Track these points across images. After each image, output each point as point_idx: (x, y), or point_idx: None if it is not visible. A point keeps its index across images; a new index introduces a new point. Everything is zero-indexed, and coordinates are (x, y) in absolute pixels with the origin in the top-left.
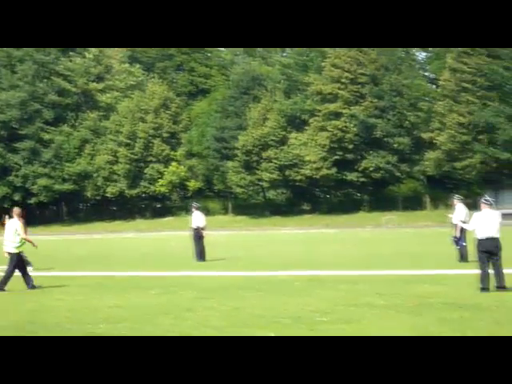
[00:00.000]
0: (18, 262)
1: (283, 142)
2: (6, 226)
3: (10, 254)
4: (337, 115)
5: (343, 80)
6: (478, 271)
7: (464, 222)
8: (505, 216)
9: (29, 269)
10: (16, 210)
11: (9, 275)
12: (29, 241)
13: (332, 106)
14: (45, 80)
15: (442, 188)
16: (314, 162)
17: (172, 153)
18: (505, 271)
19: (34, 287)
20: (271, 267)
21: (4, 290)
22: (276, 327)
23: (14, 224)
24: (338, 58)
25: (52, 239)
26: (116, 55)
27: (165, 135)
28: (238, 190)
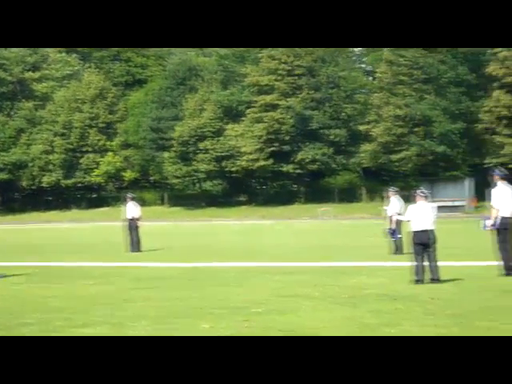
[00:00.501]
0: None
1: (219, 132)
2: None
3: None
4: (273, 107)
5: (280, 71)
6: (412, 263)
7: (399, 214)
8: (440, 208)
9: None
10: None
11: None
12: None
13: (268, 98)
14: None
15: (378, 180)
16: (251, 154)
17: (108, 143)
18: (439, 264)
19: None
20: (207, 258)
21: None
22: (211, 318)
23: None
24: (274, 50)
25: None
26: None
27: (101, 125)
28: (174, 180)
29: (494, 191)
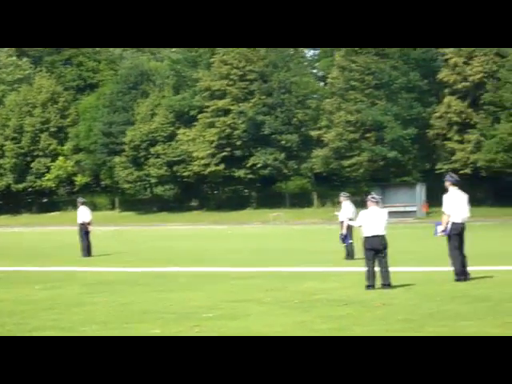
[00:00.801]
0: None
1: (171, 137)
2: None
3: None
4: (225, 112)
5: (232, 76)
6: (364, 269)
7: (351, 220)
8: (391, 214)
9: None
10: None
11: None
12: None
13: (221, 103)
14: None
15: (330, 185)
16: (203, 158)
17: (59, 147)
18: (390, 269)
19: None
20: (157, 263)
21: None
22: (161, 323)
23: None
24: (226, 55)
25: None
26: (3, 48)
27: (52, 129)
28: (126, 185)
29: (445, 197)
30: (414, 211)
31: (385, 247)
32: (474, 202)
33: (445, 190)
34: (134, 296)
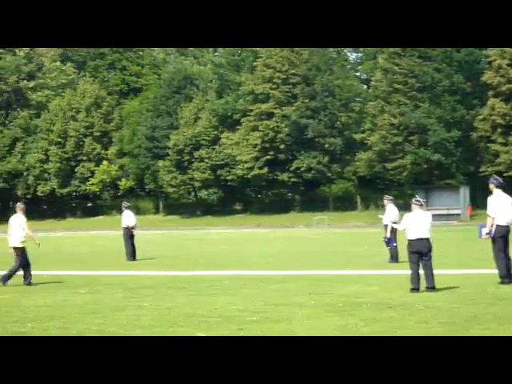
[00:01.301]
0: (24, 256)
1: (215, 141)
2: (11, 221)
3: (15, 249)
4: (269, 115)
5: (275, 80)
6: (408, 272)
7: (395, 223)
8: (435, 217)
9: None
10: (20, 205)
11: (15, 270)
12: (32, 237)
13: (264, 106)
14: None
15: (373, 188)
16: (246, 162)
17: (103, 152)
18: (435, 272)
19: (30, 284)
20: (202, 267)
21: (5, 285)
22: (205, 326)
23: (18, 219)
24: (270, 58)
25: None
26: (47, 53)
27: (96, 134)
28: (170, 189)
29: (489, 199)
30: (458, 214)
31: (429, 250)
32: None
33: (489, 193)
34: (178, 299)
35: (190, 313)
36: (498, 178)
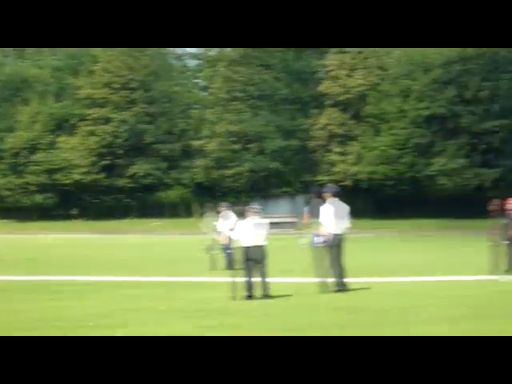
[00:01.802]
0: None
1: (52, 145)
2: None
3: None
4: (107, 120)
5: (114, 85)
6: (244, 279)
7: (231, 230)
8: (272, 224)
9: None
10: None
11: None
12: None
13: (102, 111)
14: None
15: (211, 195)
16: (83, 167)
17: None
18: (270, 279)
19: None
20: (44, 271)
21: None
22: (55, 331)
23: None
24: (108, 63)
25: None
26: None
27: None
28: (5, 193)
29: (324, 208)
30: (295, 222)
31: (264, 257)
32: (354, 213)
33: (323, 201)
34: (23, 304)
35: (39, 317)
36: (332, 186)
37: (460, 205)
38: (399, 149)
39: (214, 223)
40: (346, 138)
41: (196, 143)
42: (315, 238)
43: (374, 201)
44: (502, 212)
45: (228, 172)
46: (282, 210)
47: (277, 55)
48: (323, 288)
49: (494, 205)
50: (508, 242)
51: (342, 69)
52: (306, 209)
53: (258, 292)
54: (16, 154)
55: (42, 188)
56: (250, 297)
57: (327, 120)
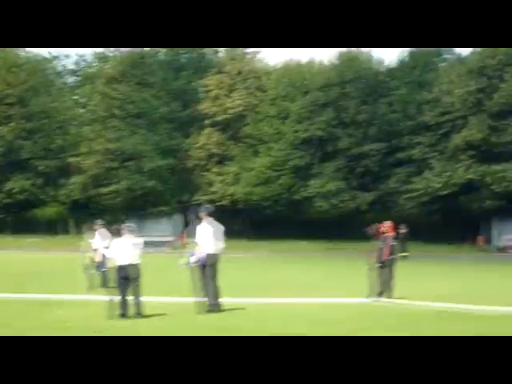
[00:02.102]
0: None
1: None
2: None
3: None
4: None
5: None
6: (117, 297)
7: (106, 248)
8: (148, 243)
9: None
10: None
11: None
12: None
13: None
14: None
15: (87, 213)
16: None
17: None
18: (144, 298)
19: None
20: None
21: None
22: None
23: None
24: None
25: None
26: None
27: None
28: None
29: (199, 228)
30: (172, 241)
31: (138, 276)
32: (231, 234)
33: (199, 221)
34: None
35: None
36: (208, 206)
37: (337, 227)
38: (277, 170)
39: (90, 241)
40: (224, 158)
41: (73, 160)
42: (191, 258)
43: (251, 221)
44: (378, 235)
45: (105, 190)
46: (159, 229)
47: (158, 74)
48: (199, 308)
49: (372, 228)
50: (380, 265)
51: (221, 89)
52: (183, 228)
53: (131, 311)
54: None
55: None
56: (123, 315)
57: (206, 140)
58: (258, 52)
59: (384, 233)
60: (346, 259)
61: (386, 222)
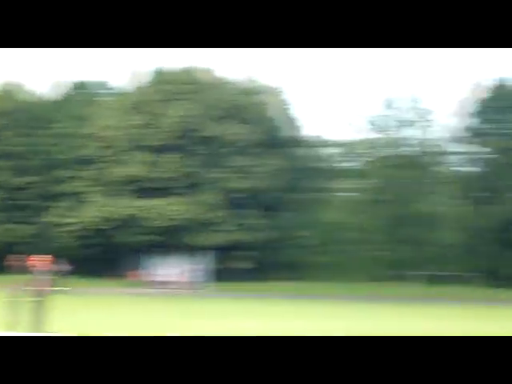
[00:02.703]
0: None
1: None
2: None
3: None
4: None
5: None
6: None
7: None
8: None
9: None
10: None
11: None
12: None
13: None
14: None
15: None
16: None
17: None
18: None
19: None
20: None
21: None
22: None
23: None
24: None
25: None
26: None
27: None
28: None
29: None
30: None
31: None
32: None
33: None
34: None
35: None
36: None
37: None
38: None
39: None
40: None
41: None
42: None
43: None
44: (28, 269)
45: None
46: None
47: None
48: None
49: (15, 260)
50: (35, 298)
51: None
52: None
53: None
54: None
55: None
56: None
57: None
58: None
59: (37, 266)
60: None
61: (42, 255)
